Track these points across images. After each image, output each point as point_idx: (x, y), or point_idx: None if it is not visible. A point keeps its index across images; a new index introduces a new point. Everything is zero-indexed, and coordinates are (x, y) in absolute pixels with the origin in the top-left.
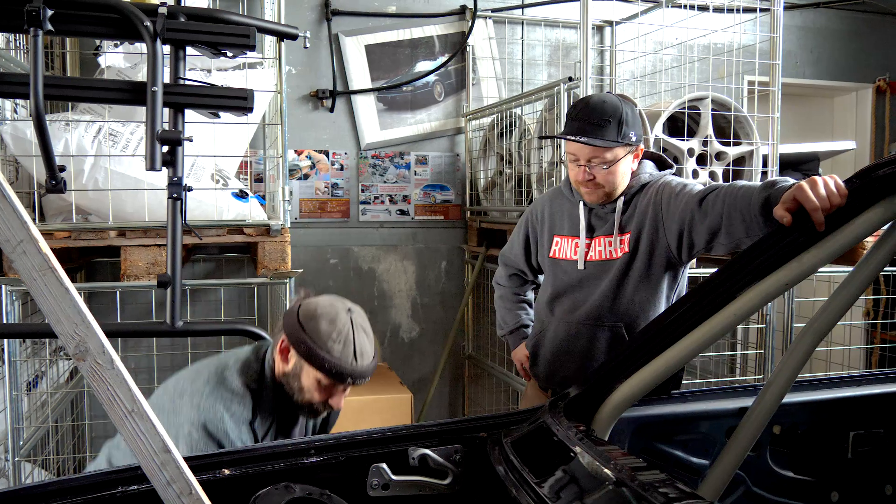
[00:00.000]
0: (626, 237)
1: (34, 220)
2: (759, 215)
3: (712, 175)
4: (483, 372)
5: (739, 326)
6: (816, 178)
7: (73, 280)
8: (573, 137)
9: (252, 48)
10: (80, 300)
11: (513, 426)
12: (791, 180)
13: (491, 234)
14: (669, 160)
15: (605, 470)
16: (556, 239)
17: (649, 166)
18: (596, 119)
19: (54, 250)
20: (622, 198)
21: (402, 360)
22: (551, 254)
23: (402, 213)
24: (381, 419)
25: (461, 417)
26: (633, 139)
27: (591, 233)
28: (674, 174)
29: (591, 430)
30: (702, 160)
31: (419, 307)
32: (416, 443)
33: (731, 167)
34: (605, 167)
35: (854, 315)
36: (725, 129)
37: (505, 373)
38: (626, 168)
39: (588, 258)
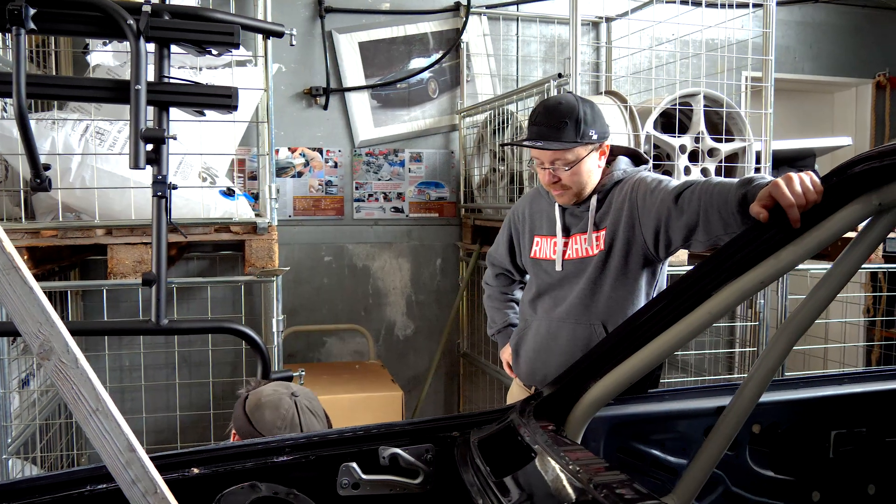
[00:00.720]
0: (602, 234)
1: (22, 218)
2: (736, 212)
3: (704, 172)
4: (478, 370)
5: (737, 324)
6: (792, 174)
7: (66, 278)
8: (529, 143)
9: (236, 46)
10: (44, 299)
11: (485, 425)
12: (768, 177)
13: (485, 232)
14: (645, 156)
15: (560, 471)
16: (536, 239)
17: (624, 162)
18: (553, 121)
19: (42, 249)
20: (595, 195)
21: (396, 357)
22: (532, 254)
23: (397, 210)
24: (371, 417)
25: (434, 416)
26: (595, 137)
27: (567, 232)
28: (649, 170)
29: (560, 429)
30: (694, 157)
31: (414, 305)
32: (388, 442)
33: (723, 164)
34: (567, 168)
35: (851, 312)
36: (719, 125)
37: (499, 371)
38: (591, 166)
39: (566, 257)
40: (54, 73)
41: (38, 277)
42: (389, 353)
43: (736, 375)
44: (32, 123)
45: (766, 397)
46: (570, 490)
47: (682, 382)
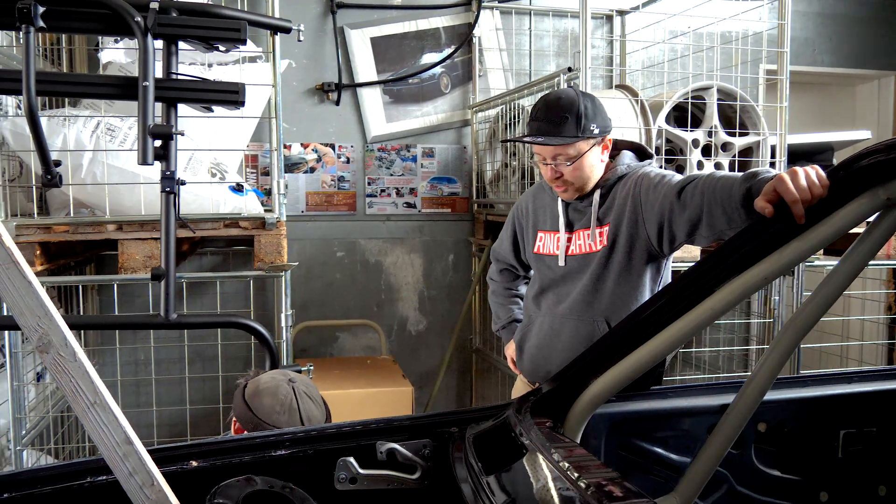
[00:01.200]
0: (605, 230)
1: (34, 213)
2: (740, 207)
3: (717, 166)
4: (490, 365)
5: (752, 321)
6: (797, 168)
7: (82, 273)
8: (529, 139)
9: (243, 42)
10: (43, 293)
11: (482, 421)
12: (773, 171)
13: (497, 227)
14: (649, 150)
15: (547, 469)
16: (539, 234)
17: (628, 157)
18: (553, 117)
19: (56, 244)
20: (598, 190)
21: (409, 353)
22: (535, 249)
23: (409, 205)
24: (381, 412)
25: (434, 412)
26: (596, 131)
27: (570, 227)
28: (661, 165)
29: (558, 426)
30: (707, 151)
31: (426, 300)
32: (386, 437)
33: (737, 158)
34: (569, 163)
35: (871, 309)
36: (733, 119)
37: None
38: (593, 161)
39: (569, 253)
40: (68, 71)
41: (52, 272)
42: (401, 349)
43: (750, 373)
44: (45, 120)
45: (773, 395)
46: (553, 488)
47: (697, 380)
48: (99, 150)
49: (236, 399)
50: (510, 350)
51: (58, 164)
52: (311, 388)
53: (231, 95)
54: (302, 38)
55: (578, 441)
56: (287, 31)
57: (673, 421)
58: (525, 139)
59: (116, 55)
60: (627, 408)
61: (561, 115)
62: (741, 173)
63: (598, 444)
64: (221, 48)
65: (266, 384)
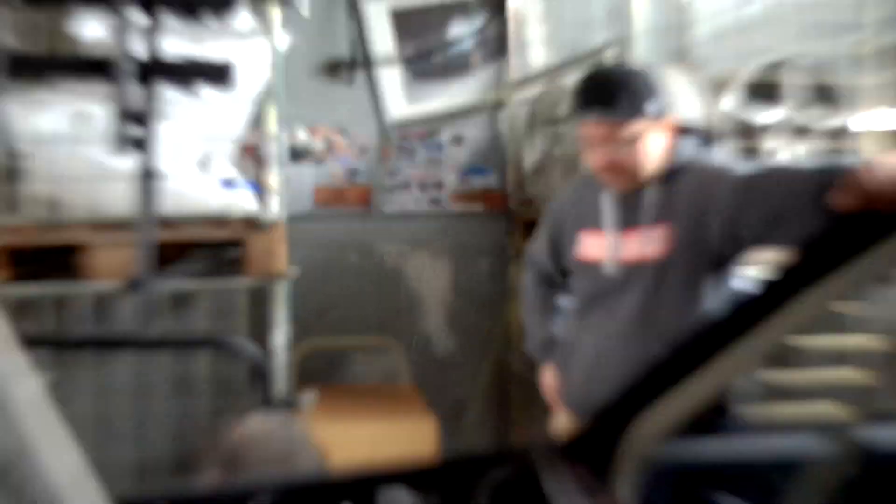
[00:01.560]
0: (663, 231)
1: None
2: (819, 205)
3: (799, 153)
4: (534, 393)
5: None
6: (885, 159)
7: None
8: (582, 118)
9: (234, 12)
10: None
11: (506, 467)
12: (860, 161)
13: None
14: (716, 135)
15: None
16: (583, 237)
17: (690, 143)
18: (605, 93)
19: (21, 247)
20: (655, 183)
21: (434, 377)
22: (578, 255)
23: (435, 202)
24: (398, 451)
25: (453, 454)
26: (654, 111)
27: (620, 228)
28: (721, 153)
29: (600, 474)
30: (787, 135)
31: (455, 314)
32: (390, 484)
33: (823, 144)
34: (623, 147)
35: None
36: (819, 97)
37: None
38: (651, 146)
39: (619, 259)
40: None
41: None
42: (425, 373)
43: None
44: (16, 106)
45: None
46: None
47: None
48: (71, 140)
49: (220, 451)
50: (548, 377)
51: (23, 155)
52: (304, 433)
53: (218, 75)
54: (307, 12)
55: (628, 493)
56: (287, 1)
57: (750, 469)
58: (576, 118)
59: (99, 32)
60: (691, 451)
61: (614, 92)
62: (821, 164)
63: (657, 498)
64: (211, 20)
65: (254, 433)
